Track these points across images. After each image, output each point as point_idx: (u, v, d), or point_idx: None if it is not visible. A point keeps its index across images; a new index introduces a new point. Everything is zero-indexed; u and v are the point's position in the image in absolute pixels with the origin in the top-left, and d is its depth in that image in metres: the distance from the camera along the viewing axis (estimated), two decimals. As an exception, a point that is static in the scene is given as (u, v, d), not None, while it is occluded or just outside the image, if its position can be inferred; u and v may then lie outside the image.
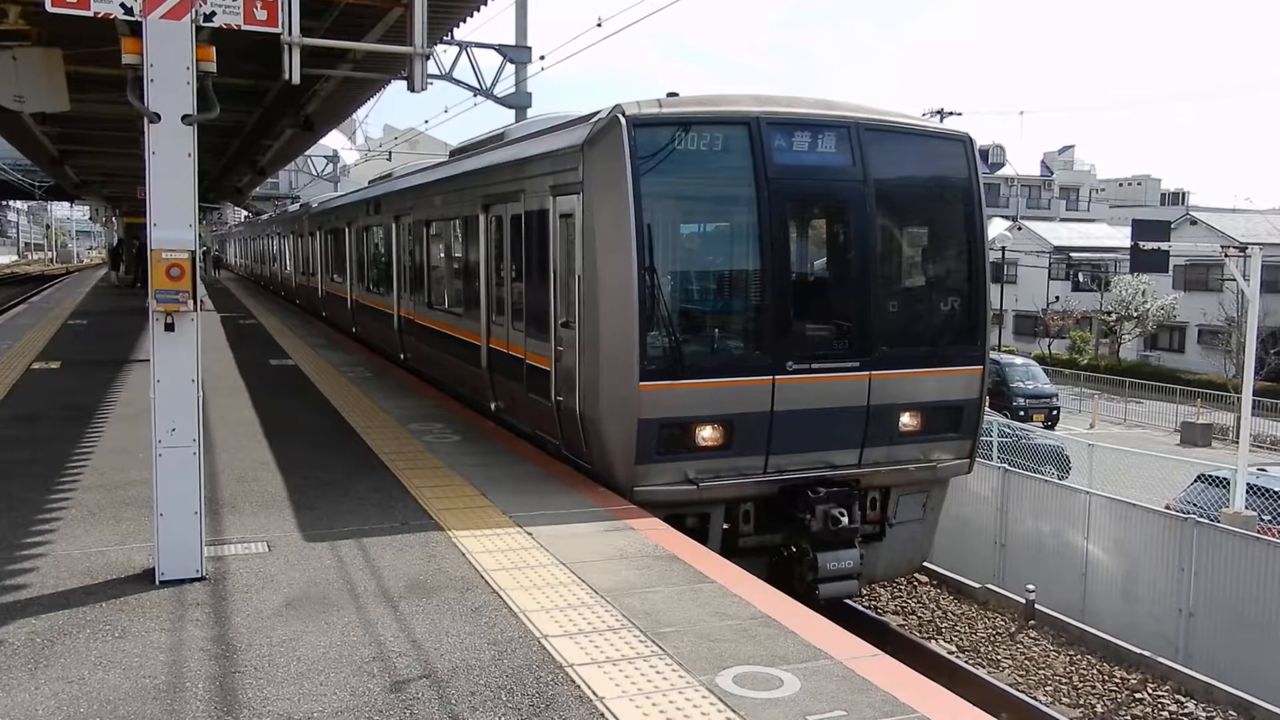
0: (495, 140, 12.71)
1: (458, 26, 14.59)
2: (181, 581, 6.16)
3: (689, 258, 9.18)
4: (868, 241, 8.94)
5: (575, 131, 9.07)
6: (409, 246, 15.48)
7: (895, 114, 9.37)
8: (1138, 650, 11.02)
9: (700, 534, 8.31)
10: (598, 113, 8.87)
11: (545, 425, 9.70)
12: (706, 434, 8.45)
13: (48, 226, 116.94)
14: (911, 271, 9.92)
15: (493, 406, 11.36)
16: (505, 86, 20.80)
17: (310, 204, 29.02)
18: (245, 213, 56.39)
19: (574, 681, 4.87)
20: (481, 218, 11.42)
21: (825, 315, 9.08)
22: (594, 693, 4.75)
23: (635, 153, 8.15)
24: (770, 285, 8.61)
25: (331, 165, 47.45)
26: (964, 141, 9.44)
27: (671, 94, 8.89)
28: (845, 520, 8.66)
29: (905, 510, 9.66)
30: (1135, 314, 46.49)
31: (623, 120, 8.22)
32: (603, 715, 4.55)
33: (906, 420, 9.17)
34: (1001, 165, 79.50)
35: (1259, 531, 12.80)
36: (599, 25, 19.52)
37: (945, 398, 9.33)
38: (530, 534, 7.20)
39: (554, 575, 6.37)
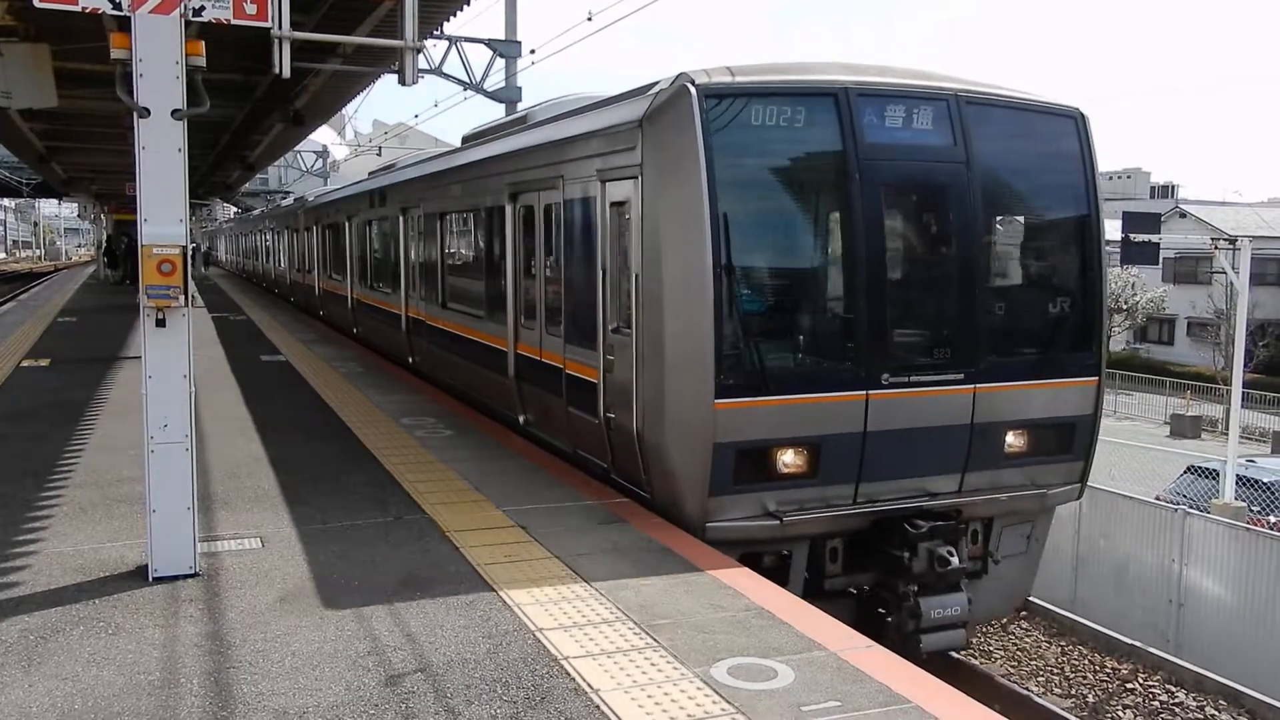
0: (518, 123, 11.56)
1: (448, 20, 14.60)
2: (175, 578, 6.15)
3: (769, 252, 7.80)
4: (971, 233, 7.75)
5: (629, 106, 7.87)
6: (419, 241, 14.20)
7: (994, 85, 8.13)
8: (1128, 641, 11.09)
9: (779, 574, 7.18)
10: (654, 84, 7.75)
11: (590, 445, 8.59)
12: (789, 459, 7.33)
13: (35, 224, 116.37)
14: (1019, 268, 8.59)
15: (521, 420, 10.30)
16: (495, 81, 20.76)
17: (306, 198, 27.79)
18: (235, 209, 56.20)
19: (569, 674, 4.88)
20: (508, 208, 10.26)
21: (924, 319, 7.90)
22: (589, 685, 4.76)
23: (708, 128, 6.98)
24: (863, 285, 7.40)
25: (321, 160, 47.26)
26: (1075, 118, 8.20)
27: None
28: (955, 560, 7.49)
29: (1008, 544, 8.43)
30: (1125, 306, 46.67)
31: (692, 90, 7.05)
32: (598, 708, 4.56)
33: (1013, 440, 8.02)
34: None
35: (1249, 522, 12.88)
36: (589, 19, 19.52)
37: (1056, 414, 8.14)
38: (524, 527, 7.20)
39: (548, 568, 6.38)
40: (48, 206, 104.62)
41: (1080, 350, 8.30)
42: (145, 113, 5.86)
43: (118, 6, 5.85)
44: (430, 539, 6.97)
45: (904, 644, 7.26)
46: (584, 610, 5.69)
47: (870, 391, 7.39)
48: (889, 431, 7.48)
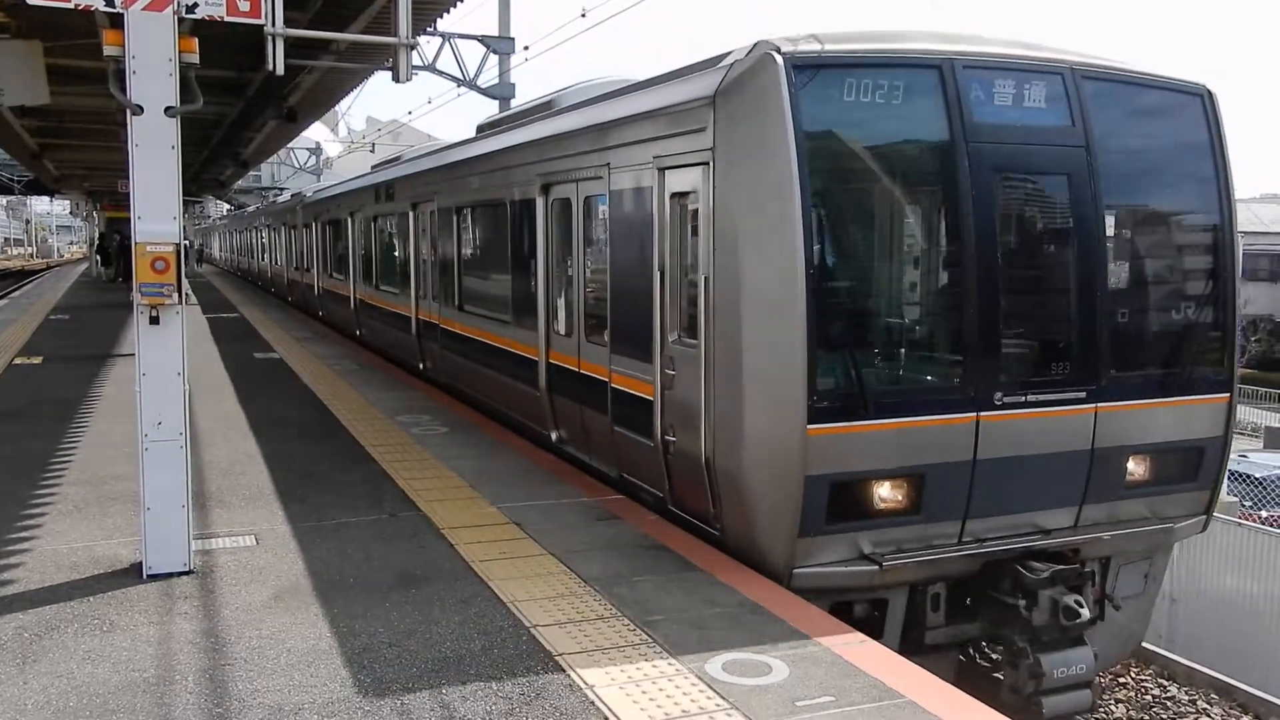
0: (544, 109, 10.49)
1: (441, 17, 14.58)
2: (169, 575, 6.15)
3: (867, 251, 6.84)
4: (1091, 228, 6.76)
5: (695, 82, 6.91)
6: (432, 238, 13.05)
7: (1109, 58, 7.15)
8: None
9: (872, 625, 6.35)
10: (724, 55, 6.80)
11: (641, 470, 7.69)
12: (888, 493, 6.38)
13: (27, 221, 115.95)
14: (1143, 269, 7.45)
15: (553, 436, 9.40)
16: (488, 78, 20.74)
17: (304, 193, 26.76)
18: (228, 206, 56.07)
19: (564, 670, 4.89)
20: (538, 201, 9.26)
21: (1041, 328, 6.94)
22: (584, 681, 4.77)
23: (797, 105, 6.00)
24: (975, 288, 6.40)
25: (314, 158, 47.17)
26: (1202, 95, 7.19)
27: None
28: (1085, 611, 6.46)
29: (1126, 584, 7.43)
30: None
31: (778, 60, 6.05)
32: (593, 704, 4.57)
33: (1134, 467, 7.08)
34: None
35: (1240, 517, 12.94)
36: (583, 16, 19.51)
37: (1184, 436, 7.19)
38: (519, 524, 7.21)
39: (543, 565, 6.39)
40: (40, 204, 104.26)
41: (1210, 363, 7.32)
42: (138, 110, 5.86)
43: (111, 3, 5.84)
44: (425, 536, 6.98)
45: (1023, 708, 6.47)
46: (579, 606, 5.70)
47: (982, 413, 6.44)
48: (1001, 459, 6.54)
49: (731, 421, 6.41)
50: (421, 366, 13.96)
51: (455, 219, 12.21)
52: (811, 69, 6.15)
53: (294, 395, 12.76)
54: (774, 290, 6.14)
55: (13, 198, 75.34)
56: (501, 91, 20.85)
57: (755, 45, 6.41)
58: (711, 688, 4.70)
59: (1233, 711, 9.79)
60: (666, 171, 7.08)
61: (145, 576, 6.12)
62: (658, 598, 5.83)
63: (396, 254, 15.35)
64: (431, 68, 19.96)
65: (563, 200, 8.90)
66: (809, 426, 6.03)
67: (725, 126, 6.43)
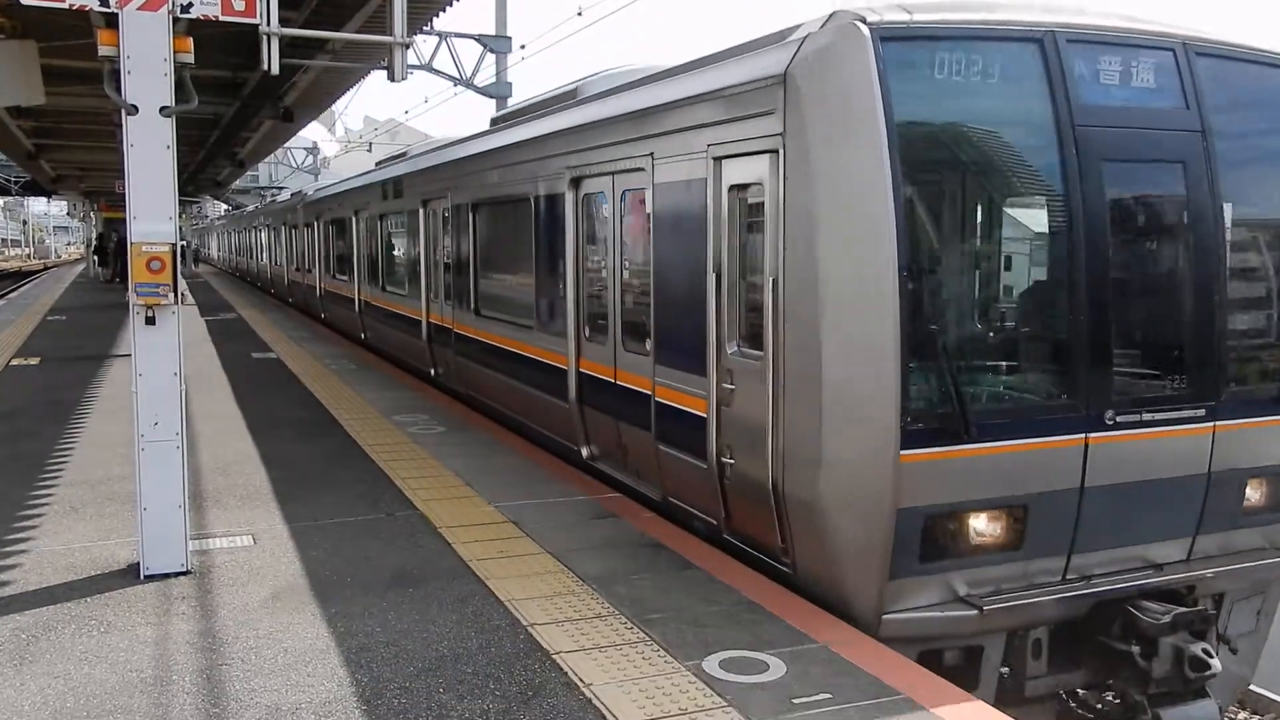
0: (567, 97, 9.66)
1: (437, 16, 14.57)
2: (166, 576, 6.15)
3: (964, 250, 6.23)
4: (1208, 225, 5.99)
5: (759, 59, 6.08)
6: (445, 237, 12.34)
7: (1223, 33, 6.38)
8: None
9: (965, 674, 5.62)
10: (794, 29, 6.01)
11: (691, 494, 6.95)
12: (986, 527, 5.62)
13: (25, 222, 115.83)
14: (1267, 269, 6.64)
15: (584, 453, 8.67)
16: (485, 77, 20.76)
17: (306, 192, 26.16)
18: (225, 206, 56.06)
19: (561, 669, 4.89)
20: (567, 196, 8.57)
21: (1155, 338, 6.21)
22: (581, 679, 4.77)
23: (887, 82, 5.25)
24: (1083, 292, 5.66)
25: (312, 157, 47.17)
26: None
27: None
28: (1215, 663, 5.71)
29: (1238, 621, 6.66)
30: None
31: (864, 31, 5.31)
32: (590, 701, 4.57)
33: (1252, 493, 6.38)
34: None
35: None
36: (579, 15, 19.53)
37: None
38: (516, 523, 7.21)
39: (541, 564, 6.39)
40: (37, 204, 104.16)
41: None
42: (133, 110, 5.85)
43: (105, 3, 5.84)
44: (422, 535, 6.98)
45: None
46: (576, 605, 5.70)
47: (1091, 434, 5.69)
48: (1111, 486, 5.79)
49: (806, 445, 5.60)
50: (433, 373, 13.28)
51: (471, 216, 11.40)
52: (901, 41, 5.40)
53: (292, 395, 12.75)
54: (860, 295, 5.36)
55: (10, 199, 75.29)
56: (498, 90, 20.87)
57: (832, 15, 5.61)
58: (709, 686, 4.71)
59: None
60: (723, 162, 6.33)
61: (142, 577, 6.12)
62: (655, 596, 5.84)
63: (405, 254, 14.67)
64: (428, 67, 19.98)
65: (596, 194, 8.23)
66: (902, 452, 5.27)
67: (798, 109, 5.58)
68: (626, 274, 7.85)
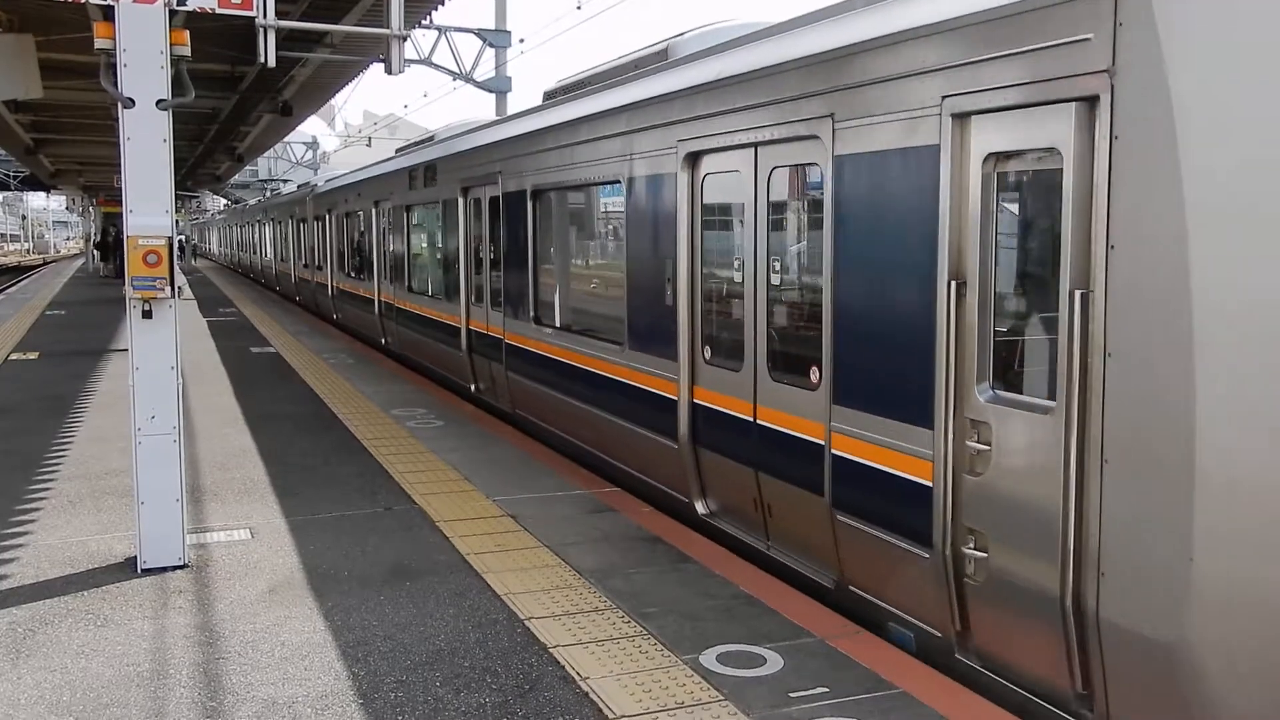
0: (653, 60, 8.06)
1: (436, 9, 14.52)
2: (164, 569, 6.14)
3: None
4: None
5: None
6: (495, 231, 10.70)
7: None
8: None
9: None
10: None
11: (896, 588, 5.19)
12: None
13: (24, 217, 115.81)
14: None
15: (700, 508, 7.02)
16: (484, 71, 20.72)
17: (315, 183, 24.81)
18: (224, 200, 56.04)
19: (559, 662, 4.89)
20: (680, 177, 6.88)
21: None
22: (578, 673, 4.77)
23: None
24: None
25: (311, 152, 47.12)
26: None
27: None
28: None
29: None
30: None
31: None
32: (587, 695, 4.57)
33: None
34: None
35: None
36: (579, 9, 19.49)
37: None
38: (514, 516, 7.21)
39: (538, 557, 6.38)
40: (36, 199, 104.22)
41: None
42: (130, 103, 5.84)
43: (101, -4, 5.82)
44: (420, 529, 6.98)
45: None
46: (574, 598, 5.70)
47: None
48: None
49: (1156, 553, 3.74)
50: (474, 388, 11.72)
51: (530, 205, 9.61)
52: None
53: (290, 389, 12.75)
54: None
55: (9, 193, 75.28)
56: (497, 85, 20.83)
57: None
58: (706, 679, 4.70)
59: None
60: (971, 121, 4.57)
61: (139, 571, 6.12)
62: (653, 590, 5.83)
63: (439, 250, 12.86)
64: (428, 61, 19.94)
65: (725, 173, 6.54)
66: None
67: (1160, 27, 3.65)
68: (777, 277, 6.16)
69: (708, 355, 6.85)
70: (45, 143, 27.35)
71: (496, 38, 20.73)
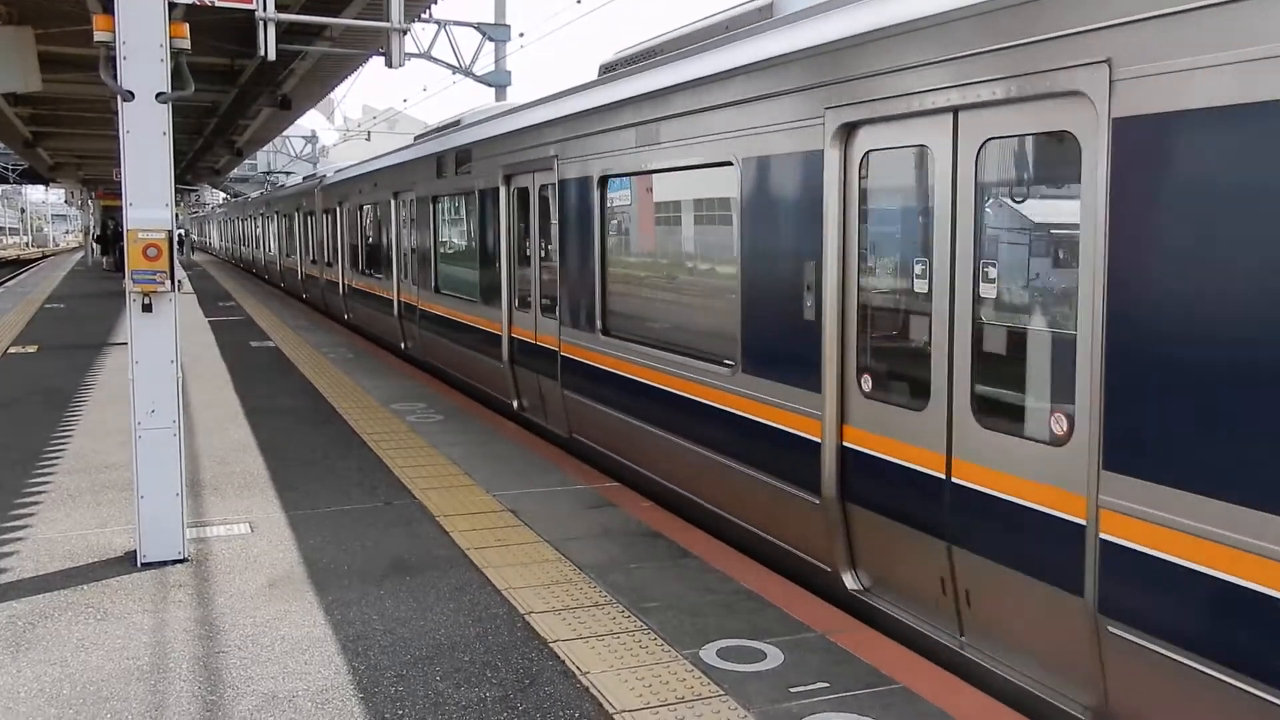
0: (758, 17, 6.59)
1: (435, 3, 14.52)
2: (163, 563, 6.14)
3: None
4: None
5: None
6: (546, 225, 9.36)
7: None
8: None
9: None
10: None
11: None
12: None
13: (23, 210, 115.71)
14: None
15: (848, 582, 5.58)
16: (484, 65, 20.70)
17: (324, 174, 23.41)
18: (224, 194, 55.98)
19: (559, 657, 4.89)
20: (829, 156, 5.39)
21: None
22: (578, 668, 4.77)
23: None
24: None
25: (310, 145, 47.07)
26: None
27: None
28: None
29: None
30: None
31: None
32: (587, 690, 4.57)
33: None
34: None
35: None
36: (578, 2, 19.47)
37: None
38: (514, 511, 7.20)
39: (539, 552, 6.38)
40: (35, 193, 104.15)
41: None
42: (129, 96, 5.82)
43: (100, -12, 5.81)
44: (420, 523, 6.97)
45: None
46: (574, 593, 5.70)
47: None
48: None
49: None
50: (517, 405, 10.43)
51: (597, 196, 8.16)
52: None
53: (290, 384, 12.74)
54: None
55: (8, 187, 75.20)
56: (497, 79, 20.81)
57: None
58: (706, 674, 4.70)
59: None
60: None
61: (139, 565, 6.11)
62: (653, 585, 5.83)
63: (474, 246, 11.40)
64: (427, 55, 19.91)
65: (907, 149, 5.00)
66: None
67: None
68: (989, 288, 4.58)
69: (867, 387, 5.35)
70: (44, 136, 27.34)
71: (496, 32, 20.70)
